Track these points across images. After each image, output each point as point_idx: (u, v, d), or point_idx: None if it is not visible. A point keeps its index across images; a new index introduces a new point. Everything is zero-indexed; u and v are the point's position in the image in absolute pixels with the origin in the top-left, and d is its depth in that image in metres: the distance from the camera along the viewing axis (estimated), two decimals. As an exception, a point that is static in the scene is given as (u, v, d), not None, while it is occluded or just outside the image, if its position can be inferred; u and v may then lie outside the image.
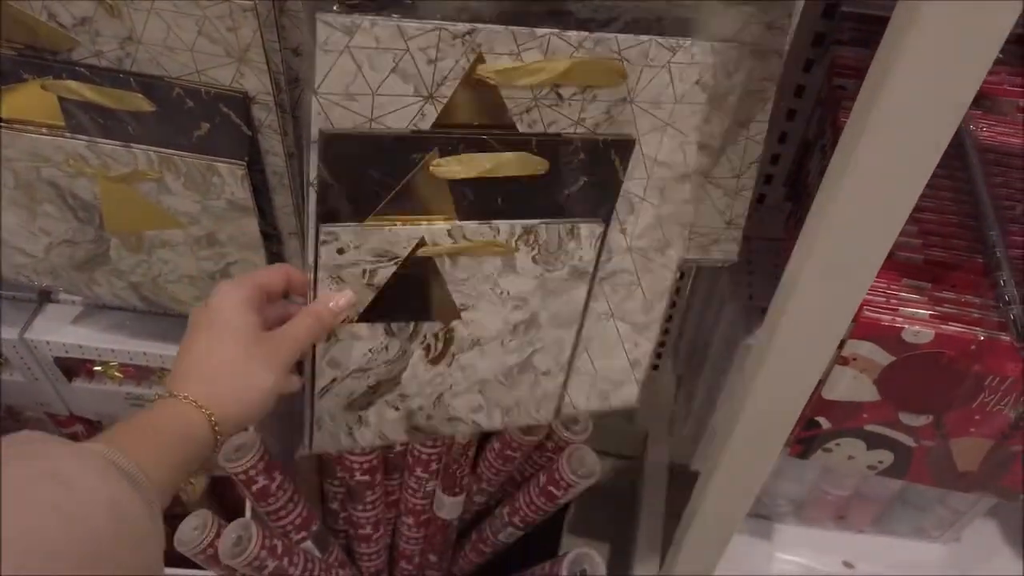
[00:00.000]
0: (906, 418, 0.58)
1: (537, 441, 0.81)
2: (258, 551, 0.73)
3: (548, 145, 0.48)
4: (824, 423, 0.60)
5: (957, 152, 0.62)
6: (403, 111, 0.44)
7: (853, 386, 0.56)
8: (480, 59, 0.44)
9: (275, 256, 0.59)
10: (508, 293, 0.55)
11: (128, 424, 0.41)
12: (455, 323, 0.56)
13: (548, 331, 0.58)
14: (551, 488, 0.81)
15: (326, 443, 0.59)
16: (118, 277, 0.61)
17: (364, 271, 0.50)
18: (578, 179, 0.51)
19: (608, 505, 1.28)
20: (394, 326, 0.54)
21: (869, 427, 0.60)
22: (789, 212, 0.76)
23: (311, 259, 0.49)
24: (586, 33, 0.44)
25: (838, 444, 0.62)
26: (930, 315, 0.53)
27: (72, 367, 0.74)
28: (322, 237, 0.47)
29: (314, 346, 0.52)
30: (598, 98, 0.47)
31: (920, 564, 0.92)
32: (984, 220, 0.57)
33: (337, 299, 0.49)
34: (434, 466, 0.86)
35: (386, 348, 0.55)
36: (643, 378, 0.66)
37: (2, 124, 0.52)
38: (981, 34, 0.36)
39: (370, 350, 0.55)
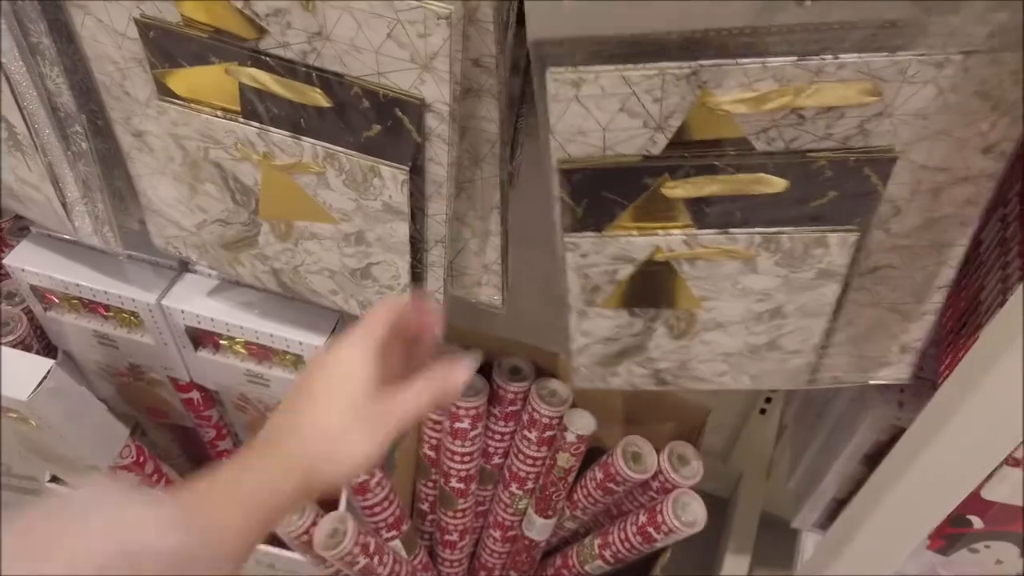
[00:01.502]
0: (1074, 531, 0.53)
1: (644, 479, 0.78)
2: (352, 546, 0.73)
3: (788, 167, 0.47)
4: (976, 522, 0.55)
5: None
6: (633, 141, 0.47)
7: (1020, 490, 0.51)
8: (708, 94, 0.43)
9: (417, 263, 0.58)
10: (751, 289, 0.55)
11: (215, 483, 0.41)
12: (696, 311, 0.57)
13: (795, 320, 0.57)
14: (650, 529, 0.78)
15: (584, 383, 0.64)
16: (262, 261, 0.62)
17: (605, 271, 0.54)
18: (826, 193, 0.48)
19: (692, 542, 1.24)
20: (637, 309, 0.57)
21: (1029, 534, 0.54)
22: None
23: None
24: (829, 58, 0.41)
25: (987, 546, 0.57)
26: None
27: (200, 337, 0.76)
28: (566, 245, 0.52)
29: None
30: (847, 115, 0.44)
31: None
32: None
33: (458, 375, 0.45)
34: (530, 484, 0.84)
35: (631, 325, 0.59)
36: (914, 362, 0.61)
37: (180, 102, 0.53)
38: None
39: (616, 326, 0.59)
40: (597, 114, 0.45)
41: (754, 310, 0.56)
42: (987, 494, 0.53)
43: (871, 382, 0.61)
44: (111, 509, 0.36)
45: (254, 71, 0.49)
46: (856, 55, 0.42)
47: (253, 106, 0.51)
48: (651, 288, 0.55)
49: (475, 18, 0.46)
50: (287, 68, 0.48)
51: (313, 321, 0.71)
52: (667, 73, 0.42)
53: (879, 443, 0.72)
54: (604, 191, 0.50)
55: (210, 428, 0.90)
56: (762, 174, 0.47)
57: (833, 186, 0.48)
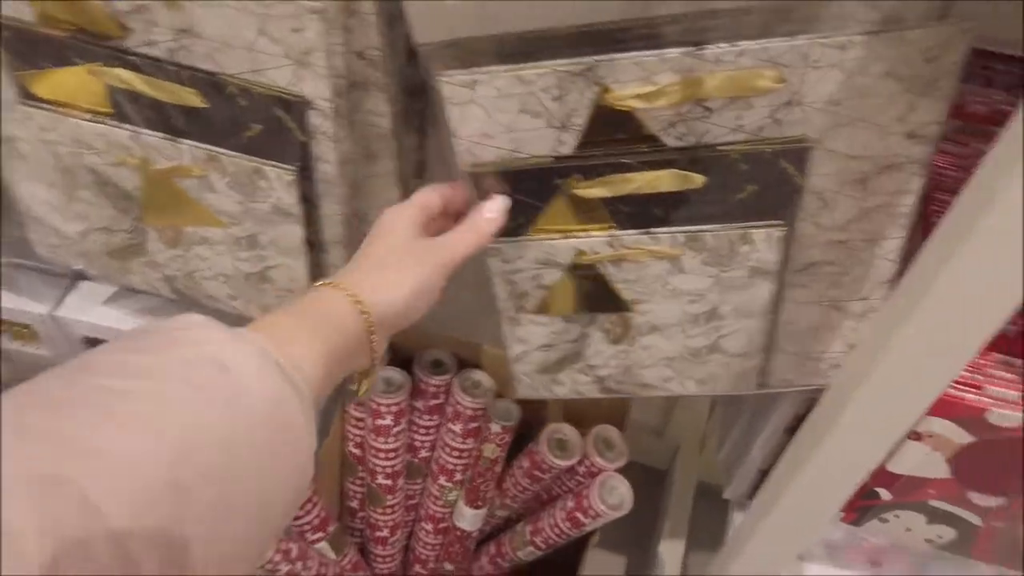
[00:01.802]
0: (977, 497, 0.54)
1: (569, 465, 0.78)
2: (271, 554, 0.71)
3: (700, 161, 0.45)
4: (884, 494, 0.56)
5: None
6: (541, 141, 0.45)
7: (923, 462, 0.52)
8: (606, 90, 0.42)
9: (317, 265, 0.56)
10: (681, 290, 0.53)
11: (278, 315, 0.38)
12: (628, 315, 0.55)
13: (733, 321, 0.55)
14: (578, 514, 0.78)
15: (528, 392, 0.63)
16: (153, 269, 0.59)
17: (531, 276, 0.53)
18: (743, 187, 0.46)
19: (630, 516, 1.25)
20: (569, 316, 0.56)
21: (933, 503, 0.56)
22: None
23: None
24: (726, 46, 0.40)
25: (896, 516, 0.58)
26: (1020, 395, 0.48)
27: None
28: (488, 250, 0.51)
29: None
30: (755, 105, 0.42)
31: (954, 622, 0.88)
32: (1086, 294, 0.52)
33: (491, 206, 0.47)
34: (459, 476, 0.83)
35: (566, 331, 0.57)
36: None
37: (46, 106, 0.49)
38: None
39: (552, 332, 0.57)
40: (498, 116, 0.43)
41: (689, 312, 0.55)
42: (893, 467, 0.54)
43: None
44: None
45: (120, 71, 0.46)
46: (754, 42, 0.40)
47: (123, 108, 0.48)
48: (580, 292, 0.54)
49: (357, 10, 0.44)
50: (155, 67, 0.45)
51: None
52: (560, 71, 0.41)
53: (799, 416, 0.73)
54: (517, 194, 0.48)
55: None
56: (676, 170, 0.46)
57: (751, 179, 0.46)
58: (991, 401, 0.48)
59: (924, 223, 0.54)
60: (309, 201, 0.51)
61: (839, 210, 0.48)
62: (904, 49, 0.40)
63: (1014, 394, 0.48)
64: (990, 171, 0.37)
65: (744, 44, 0.40)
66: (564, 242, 0.50)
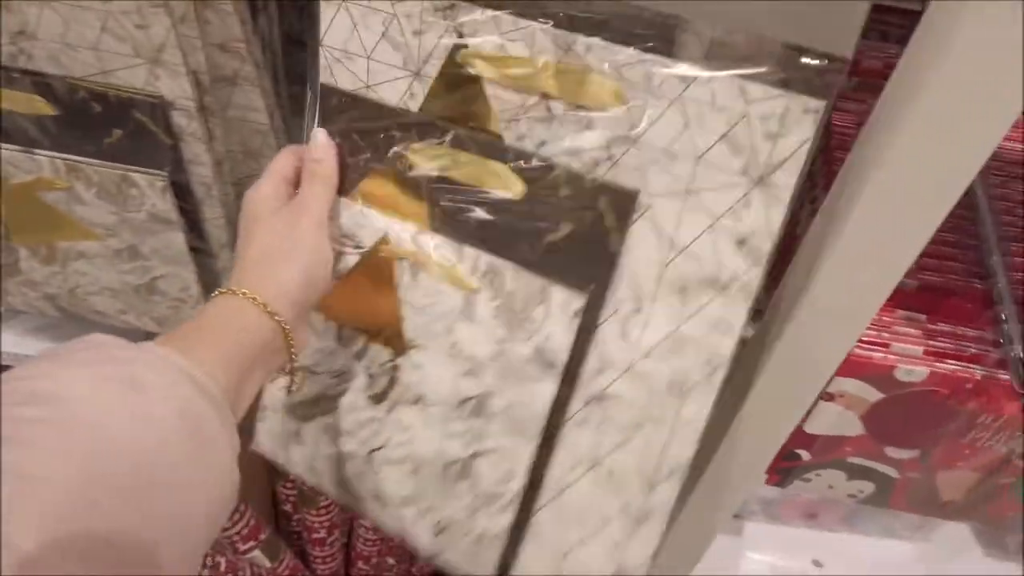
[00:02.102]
0: (892, 451, 0.55)
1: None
2: (198, 570, 0.69)
3: (526, 163, 0.41)
4: (804, 455, 0.56)
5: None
6: (394, 84, 0.42)
7: (837, 421, 0.52)
8: (462, 41, 0.39)
9: (206, 271, 0.53)
10: (461, 349, 0.45)
11: (182, 328, 0.38)
12: (401, 361, 0.47)
13: (500, 428, 0.45)
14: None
15: (264, 442, 0.54)
16: (32, 288, 0.55)
17: (336, 249, 0.46)
18: (559, 223, 0.40)
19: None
20: (345, 333, 0.49)
21: (851, 459, 0.56)
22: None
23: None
24: (578, 35, 0.37)
25: (818, 475, 0.58)
26: (924, 351, 0.48)
27: (-8, 373, 0.68)
28: None
29: None
30: (595, 124, 0.38)
31: (889, 563, 0.91)
32: (985, 241, 0.52)
33: (312, 146, 0.44)
34: (392, 470, 0.82)
35: (332, 355, 0.50)
36: None
37: None
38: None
39: (319, 350, 0.50)
40: (363, 33, 0.41)
41: (459, 389, 0.45)
42: (810, 428, 0.54)
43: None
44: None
45: (-45, 82, 0.42)
46: (604, 40, 0.36)
47: (-34, 121, 0.44)
48: (367, 299, 0.47)
49: (212, 2, 0.41)
50: (-6, 75, 0.41)
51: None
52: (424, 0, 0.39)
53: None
54: (356, 131, 0.44)
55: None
56: (503, 164, 0.41)
57: (569, 214, 0.40)
58: (897, 358, 0.48)
59: (827, 184, 0.54)
60: (189, 206, 0.48)
61: (651, 326, 0.40)
62: (747, 108, 0.35)
63: (918, 349, 0.48)
64: (876, 125, 0.36)
65: (593, 39, 0.37)
66: (377, 215, 0.45)
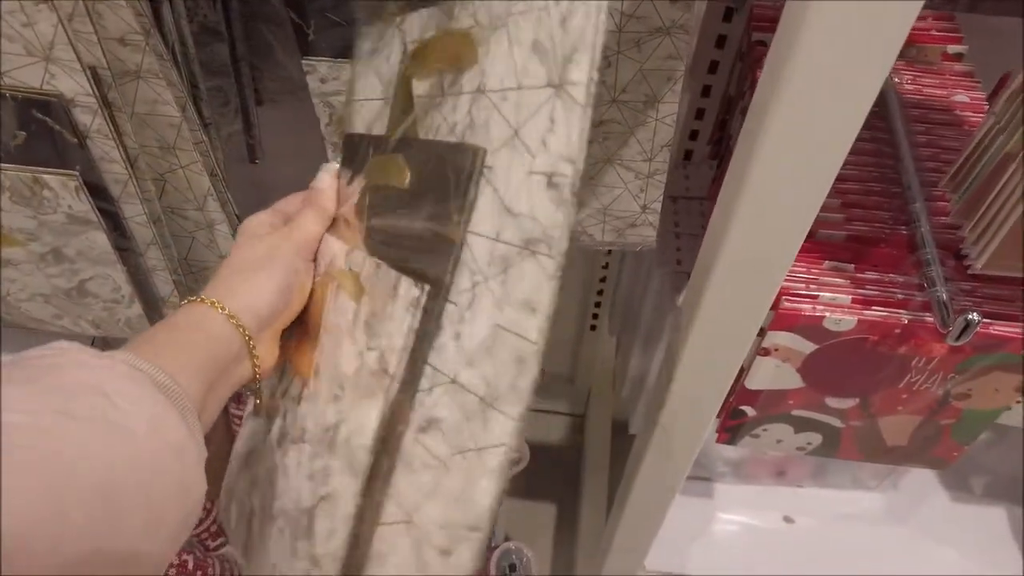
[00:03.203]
0: (833, 401, 0.55)
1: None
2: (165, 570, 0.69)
3: (412, 153, 0.38)
4: (749, 411, 0.57)
5: (879, 108, 0.58)
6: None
7: (776, 375, 0.53)
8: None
9: (137, 270, 0.52)
10: (339, 369, 0.40)
11: (149, 334, 0.37)
12: (304, 392, 0.43)
13: (339, 464, 0.39)
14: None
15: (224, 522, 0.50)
16: (-38, 299, 0.54)
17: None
18: (420, 208, 0.37)
19: (555, 463, 1.26)
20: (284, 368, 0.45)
21: (796, 412, 0.57)
22: (714, 176, 0.72)
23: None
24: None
25: (765, 430, 0.59)
26: (852, 299, 0.49)
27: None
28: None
29: None
30: (463, 87, 0.35)
31: (859, 514, 0.92)
32: (908, 188, 0.53)
33: (320, 175, 0.45)
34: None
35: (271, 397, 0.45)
36: (657, 223, 0.58)
37: None
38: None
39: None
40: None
41: (325, 419, 0.41)
42: (751, 384, 0.54)
43: (626, 248, 0.59)
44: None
45: None
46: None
47: None
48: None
49: (105, -7, 0.40)
50: None
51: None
52: None
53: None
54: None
55: None
56: (398, 155, 0.39)
57: (425, 197, 0.37)
58: (826, 308, 0.49)
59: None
60: (107, 205, 0.48)
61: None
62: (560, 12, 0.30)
63: (847, 298, 0.49)
64: (774, 62, 0.36)
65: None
66: (333, 241, 0.43)
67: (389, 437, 0.37)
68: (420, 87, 0.38)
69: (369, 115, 0.42)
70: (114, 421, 0.30)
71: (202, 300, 0.39)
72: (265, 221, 0.44)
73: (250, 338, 0.40)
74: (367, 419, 0.37)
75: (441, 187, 0.35)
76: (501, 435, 0.32)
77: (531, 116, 0.30)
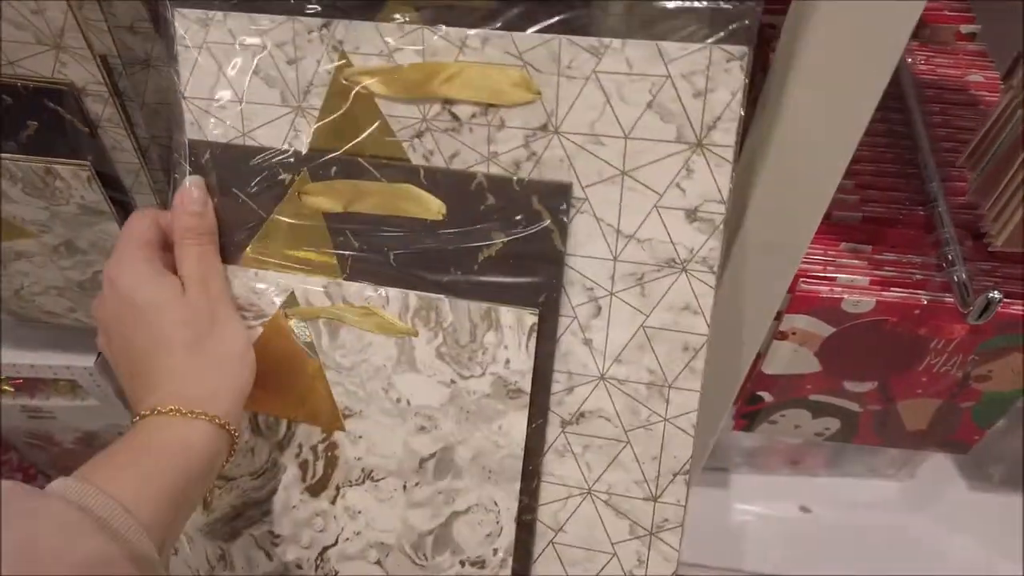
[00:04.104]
0: (851, 385, 0.55)
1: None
2: None
3: (441, 178, 0.37)
4: (767, 397, 0.56)
5: (893, 89, 0.57)
6: (275, 124, 0.38)
7: (794, 359, 0.52)
8: (346, 61, 0.36)
9: (148, 261, 0.52)
10: (408, 402, 0.41)
11: (111, 455, 0.35)
12: (337, 436, 0.42)
13: (473, 481, 0.41)
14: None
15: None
16: (-24, 294, 0.54)
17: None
18: (490, 236, 0.37)
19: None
20: (261, 420, 0.43)
21: (813, 397, 0.56)
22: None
23: None
24: (473, 30, 0.34)
25: (783, 415, 0.58)
26: (870, 281, 0.48)
27: (-45, 384, 0.67)
28: None
29: None
30: (507, 123, 0.35)
31: (876, 503, 0.91)
32: (924, 168, 0.52)
33: (183, 198, 0.39)
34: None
35: (252, 451, 0.44)
36: None
37: None
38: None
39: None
40: (230, 74, 0.38)
41: (414, 449, 0.41)
42: (768, 369, 0.54)
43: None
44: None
45: None
46: (499, 29, 0.33)
47: None
48: (282, 374, 0.41)
49: (113, -20, 0.40)
50: (-103, 74, 0.41)
51: (74, 340, 0.64)
52: (297, 21, 0.36)
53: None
54: (235, 186, 0.39)
55: (14, 472, 0.82)
56: (411, 185, 0.37)
57: (502, 223, 0.37)
58: (844, 290, 0.48)
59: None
60: (120, 195, 0.48)
61: (615, 325, 0.38)
62: (668, 68, 0.33)
63: (865, 280, 0.48)
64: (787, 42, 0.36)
65: (488, 30, 0.34)
66: (276, 277, 0.40)
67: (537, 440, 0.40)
68: (399, 108, 0.36)
69: (249, 122, 0.39)
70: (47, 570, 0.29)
71: (171, 411, 0.36)
72: (143, 270, 0.38)
73: (235, 434, 0.37)
74: (503, 433, 0.40)
75: (517, 207, 0.37)
76: (685, 405, 0.39)
77: (654, 163, 0.35)
